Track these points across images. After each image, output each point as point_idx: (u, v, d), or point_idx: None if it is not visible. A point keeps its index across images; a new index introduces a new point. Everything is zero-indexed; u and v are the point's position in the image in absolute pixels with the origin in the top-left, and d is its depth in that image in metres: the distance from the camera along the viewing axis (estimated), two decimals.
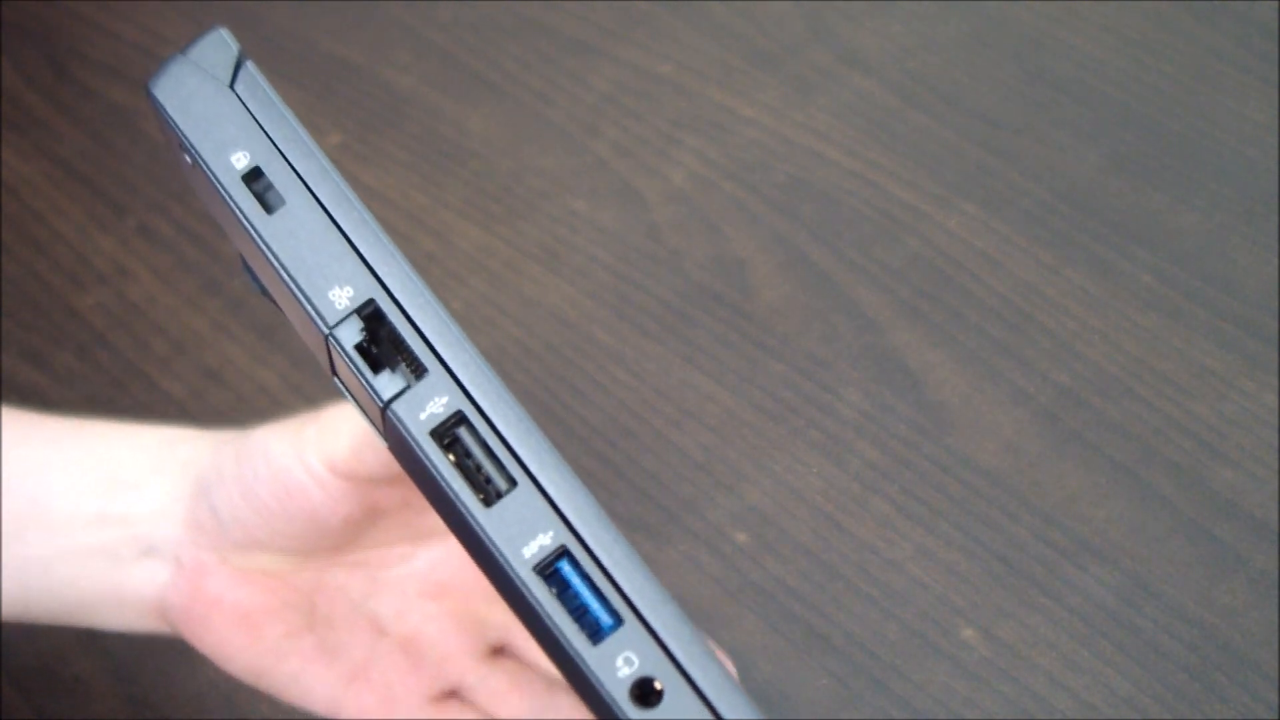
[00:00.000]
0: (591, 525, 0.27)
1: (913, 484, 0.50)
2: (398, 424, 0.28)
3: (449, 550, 0.39)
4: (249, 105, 0.29)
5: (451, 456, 0.28)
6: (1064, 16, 0.65)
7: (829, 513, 0.50)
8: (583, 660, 0.26)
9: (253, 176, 0.29)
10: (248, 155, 0.29)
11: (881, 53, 0.64)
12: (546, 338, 0.55)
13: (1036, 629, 0.47)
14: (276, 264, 0.28)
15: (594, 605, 0.27)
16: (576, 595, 0.27)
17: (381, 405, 0.28)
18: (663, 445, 0.52)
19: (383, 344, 0.28)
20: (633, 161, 0.60)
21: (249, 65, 0.30)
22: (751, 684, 0.46)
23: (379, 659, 0.38)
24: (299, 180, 0.29)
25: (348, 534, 0.37)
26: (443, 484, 0.28)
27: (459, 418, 0.28)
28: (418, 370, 0.28)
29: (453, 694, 0.38)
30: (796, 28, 0.65)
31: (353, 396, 0.30)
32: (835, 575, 0.48)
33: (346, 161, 0.61)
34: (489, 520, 0.27)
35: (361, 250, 0.29)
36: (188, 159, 0.30)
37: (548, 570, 0.27)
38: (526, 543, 0.27)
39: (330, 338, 0.28)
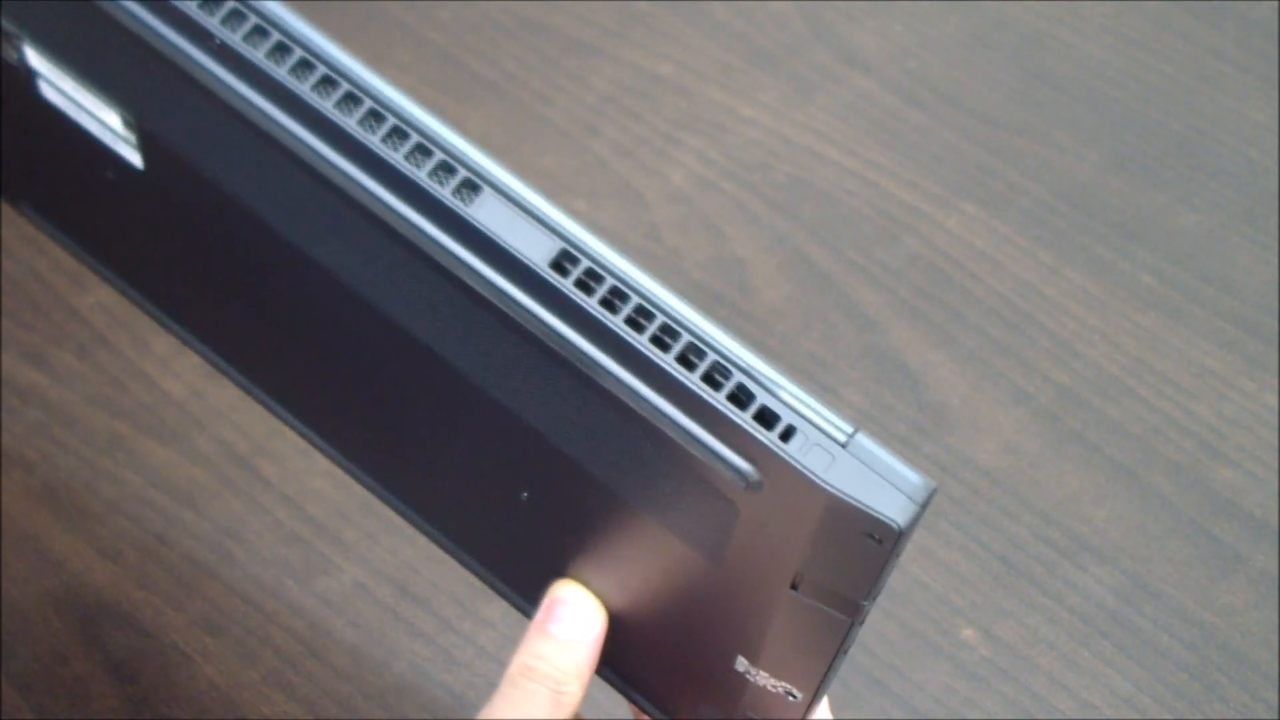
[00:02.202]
0: None
1: None
2: None
3: None
4: None
5: None
6: (1064, 16, 0.65)
7: None
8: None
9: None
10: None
11: (881, 53, 0.64)
12: None
13: (1036, 629, 0.47)
14: None
15: None
16: None
17: None
18: None
19: None
20: (633, 161, 0.60)
21: None
22: None
23: None
24: None
25: None
26: None
27: None
28: None
29: None
30: (796, 28, 0.65)
31: None
32: None
33: None
34: None
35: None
36: None
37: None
38: None
39: None
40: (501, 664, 0.46)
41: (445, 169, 0.29)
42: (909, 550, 0.48)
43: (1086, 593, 0.48)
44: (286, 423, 0.39)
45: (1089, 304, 0.55)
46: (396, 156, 0.29)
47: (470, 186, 0.29)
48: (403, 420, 0.35)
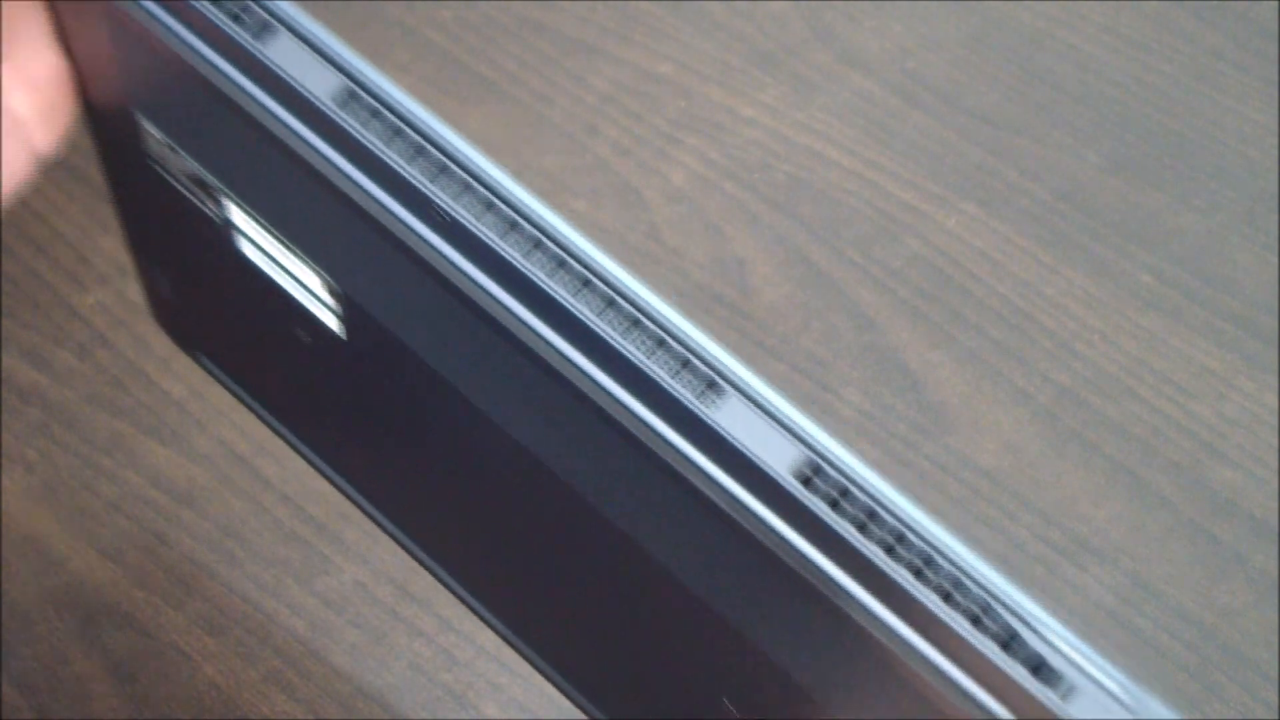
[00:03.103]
0: None
1: (912, 484, 0.50)
2: None
3: None
4: None
5: None
6: (1064, 16, 0.65)
7: None
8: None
9: None
10: None
11: (881, 53, 0.64)
12: None
13: None
14: None
15: None
16: None
17: None
18: None
19: None
20: (633, 161, 0.60)
21: None
22: None
23: None
24: None
25: None
26: None
27: None
28: None
29: None
30: (796, 28, 0.65)
31: None
32: None
33: None
34: None
35: None
36: None
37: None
38: None
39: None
40: (502, 664, 0.46)
41: (687, 366, 0.26)
42: None
43: (1086, 593, 0.48)
44: (479, 615, 0.37)
45: (1089, 304, 0.55)
46: (638, 353, 0.26)
47: (713, 387, 0.26)
48: (604, 618, 0.33)
